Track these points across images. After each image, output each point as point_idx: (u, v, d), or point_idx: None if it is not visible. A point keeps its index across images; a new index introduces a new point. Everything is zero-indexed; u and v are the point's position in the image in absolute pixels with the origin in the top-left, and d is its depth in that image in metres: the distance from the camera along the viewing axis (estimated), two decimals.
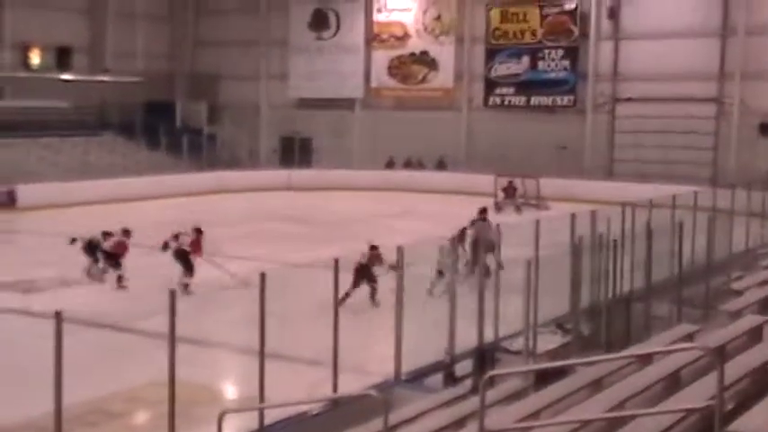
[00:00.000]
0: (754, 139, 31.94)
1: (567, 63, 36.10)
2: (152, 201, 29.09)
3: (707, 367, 7.00)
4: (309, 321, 11.92)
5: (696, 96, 33.24)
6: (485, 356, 10.95)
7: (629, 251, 12.70)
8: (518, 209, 30.15)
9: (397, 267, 10.40)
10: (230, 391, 11.93)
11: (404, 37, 39.69)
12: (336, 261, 9.50)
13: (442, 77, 39.15)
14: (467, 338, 11.01)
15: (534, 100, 36.91)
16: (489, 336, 11.24)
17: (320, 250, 18.12)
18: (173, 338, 7.84)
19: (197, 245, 17.23)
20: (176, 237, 17.28)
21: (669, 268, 12.91)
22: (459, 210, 24.55)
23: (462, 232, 16.74)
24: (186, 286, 15.92)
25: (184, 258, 16.92)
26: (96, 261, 17.70)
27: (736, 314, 9.96)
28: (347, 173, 35.93)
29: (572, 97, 36.11)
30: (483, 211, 18.86)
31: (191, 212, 28.04)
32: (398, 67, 39.91)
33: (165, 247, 17.26)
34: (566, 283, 11.74)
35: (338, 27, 40.68)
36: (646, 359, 8.15)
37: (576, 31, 35.80)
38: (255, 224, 25.85)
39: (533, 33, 36.75)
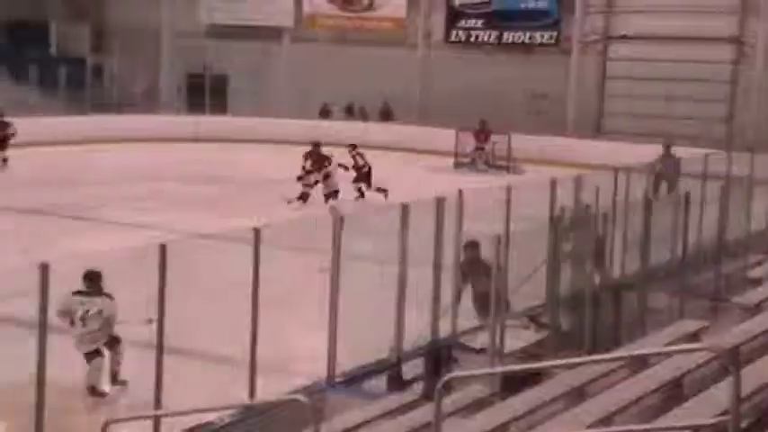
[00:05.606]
0: None
1: None
2: (17, 149, 28.45)
3: (717, 374, 7.11)
4: (220, 307, 11.82)
5: (710, 35, 33.59)
6: (440, 355, 10.99)
7: (622, 227, 12.82)
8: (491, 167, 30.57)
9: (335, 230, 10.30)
10: (116, 396, 11.78)
11: None
12: (257, 231, 9.39)
13: (393, 4, 39.03)
14: (418, 332, 11.02)
15: (507, 36, 37.03)
16: (446, 329, 11.28)
17: (234, 217, 18.02)
18: (44, 329, 7.68)
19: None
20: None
21: (671, 250, 13.06)
22: (410, 171, 24.64)
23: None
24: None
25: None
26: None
27: (754, 309, 10.15)
28: (271, 122, 35.64)
29: (554, 33, 36.32)
30: (668, 147, 23.25)
31: (67, 165, 27.72)
32: None
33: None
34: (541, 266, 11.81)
35: None
36: (640, 362, 8.26)
37: None
38: (152, 183, 25.52)
39: None
